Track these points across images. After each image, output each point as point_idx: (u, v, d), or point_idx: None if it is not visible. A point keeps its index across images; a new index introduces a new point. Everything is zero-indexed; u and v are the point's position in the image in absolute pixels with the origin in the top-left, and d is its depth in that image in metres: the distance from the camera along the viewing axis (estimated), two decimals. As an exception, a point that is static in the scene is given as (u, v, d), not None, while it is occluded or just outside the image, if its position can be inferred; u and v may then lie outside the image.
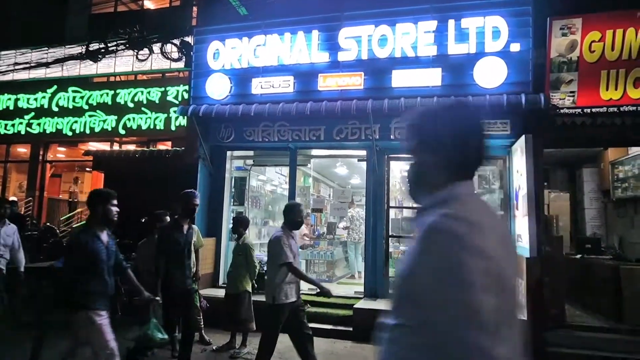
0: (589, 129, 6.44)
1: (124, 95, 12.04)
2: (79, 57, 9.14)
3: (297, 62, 7.77)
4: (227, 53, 8.12)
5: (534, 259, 5.73)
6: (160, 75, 12.34)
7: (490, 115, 6.99)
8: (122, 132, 11.93)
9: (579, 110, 6.46)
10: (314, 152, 8.86)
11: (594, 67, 6.40)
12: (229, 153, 8.86)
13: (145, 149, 11.24)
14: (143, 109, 11.78)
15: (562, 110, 6.54)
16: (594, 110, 6.41)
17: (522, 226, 6.28)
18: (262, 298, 6.93)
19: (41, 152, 13.25)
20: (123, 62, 12.26)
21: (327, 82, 7.61)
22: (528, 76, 6.77)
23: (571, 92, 6.52)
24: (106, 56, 9.14)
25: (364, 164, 8.14)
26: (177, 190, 8.23)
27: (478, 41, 6.95)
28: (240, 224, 6.15)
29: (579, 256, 7.00)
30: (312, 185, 11.49)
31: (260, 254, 9.23)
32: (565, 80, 6.52)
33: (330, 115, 7.34)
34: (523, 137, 6.49)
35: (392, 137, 7.51)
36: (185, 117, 8.43)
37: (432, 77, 7.11)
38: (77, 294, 3.45)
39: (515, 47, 6.81)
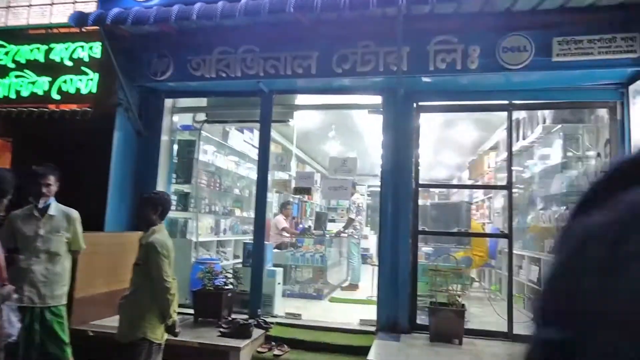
0: None
1: (60, 51, 9.03)
2: None
3: None
4: None
5: None
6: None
7: (596, 27, 4.04)
8: (57, 97, 8.92)
9: None
10: (300, 99, 5.71)
11: None
12: (168, 102, 5.75)
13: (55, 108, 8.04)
14: (83, 68, 8.76)
15: None
16: None
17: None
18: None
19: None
20: (61, 10, 9.33)
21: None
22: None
23: None
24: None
25: (376, 120, 5.20)
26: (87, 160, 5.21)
27: None
28: (148, 203, 2.99)
29: None
30: (295, 162, 8.38)
31: (213, 259, 5.99)
32: None
33: (329, 29, 4.25)
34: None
35: (430, 67, 4.49)
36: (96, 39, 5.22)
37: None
38: None
39: None
